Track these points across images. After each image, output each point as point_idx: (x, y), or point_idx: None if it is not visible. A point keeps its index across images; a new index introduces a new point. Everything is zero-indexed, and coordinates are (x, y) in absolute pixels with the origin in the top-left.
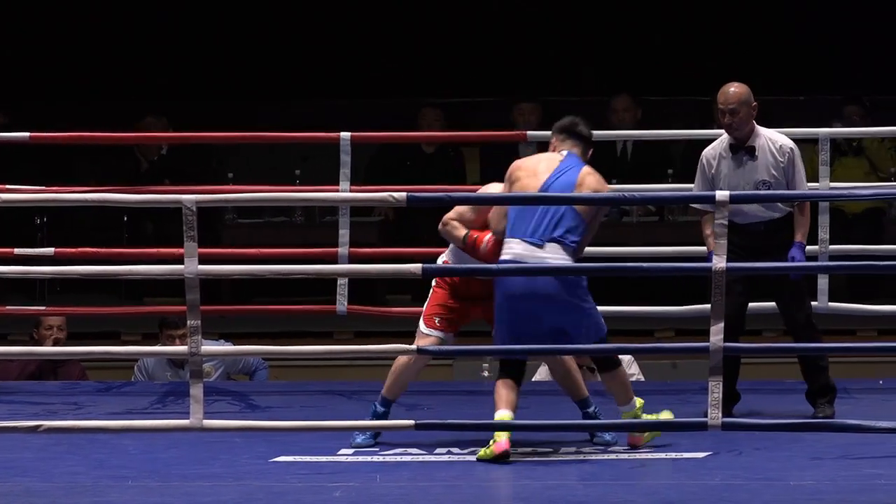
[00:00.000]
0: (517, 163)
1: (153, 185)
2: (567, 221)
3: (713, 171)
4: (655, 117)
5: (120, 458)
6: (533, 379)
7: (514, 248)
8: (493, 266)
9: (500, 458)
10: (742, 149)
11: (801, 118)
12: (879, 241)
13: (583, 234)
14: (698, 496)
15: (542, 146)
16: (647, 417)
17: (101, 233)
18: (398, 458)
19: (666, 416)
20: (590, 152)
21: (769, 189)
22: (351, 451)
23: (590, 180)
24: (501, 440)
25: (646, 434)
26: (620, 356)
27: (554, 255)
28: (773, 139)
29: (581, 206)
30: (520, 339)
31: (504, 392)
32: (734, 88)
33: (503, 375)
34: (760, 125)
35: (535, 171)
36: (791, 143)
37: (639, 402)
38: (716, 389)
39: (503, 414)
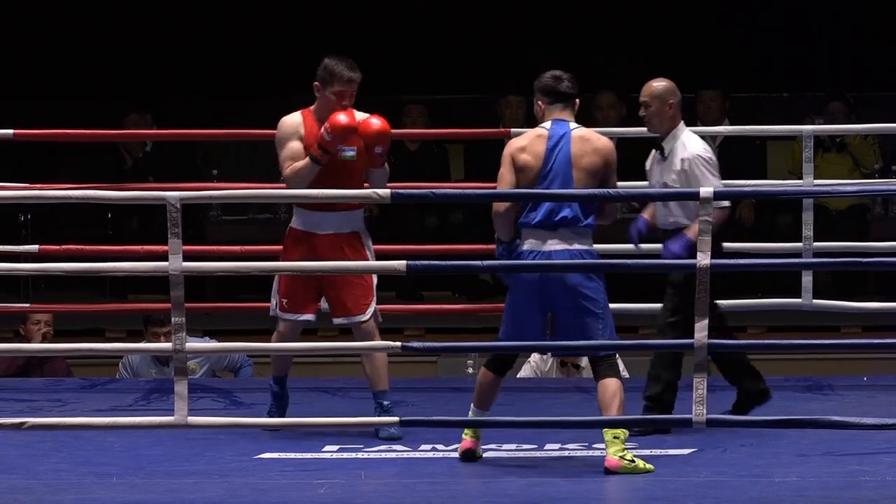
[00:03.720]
0: (517, 145)
1: (138, 182)
2: (585, 204)
3: (648, 167)
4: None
5: (104, 455)
6: (517, 376)
7: (528, 238)
8: (479, 262)
9: (464, 457)
10: (660, 147)
11: (785, 115)
12: (864, 238)
13: (597, 210)
14: (683, 493)
15: None
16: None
17: (86, 230)
18: (383, 455)
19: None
20: (577, 106)
21: None
22: (336, 447)
23: (585, 147)
24: (466, 438)
25: (625, 463)
26: None
27: (566, 241)
28: (686, 145)
29: (583, 179)
30: (524, 328)
31: (488, 389)
32: (652, 83)
33: (490, 367)
34: (746, 122)
35: (534, 153)
36: (690, 155)
37: (627, 432)
38: (700, 386)
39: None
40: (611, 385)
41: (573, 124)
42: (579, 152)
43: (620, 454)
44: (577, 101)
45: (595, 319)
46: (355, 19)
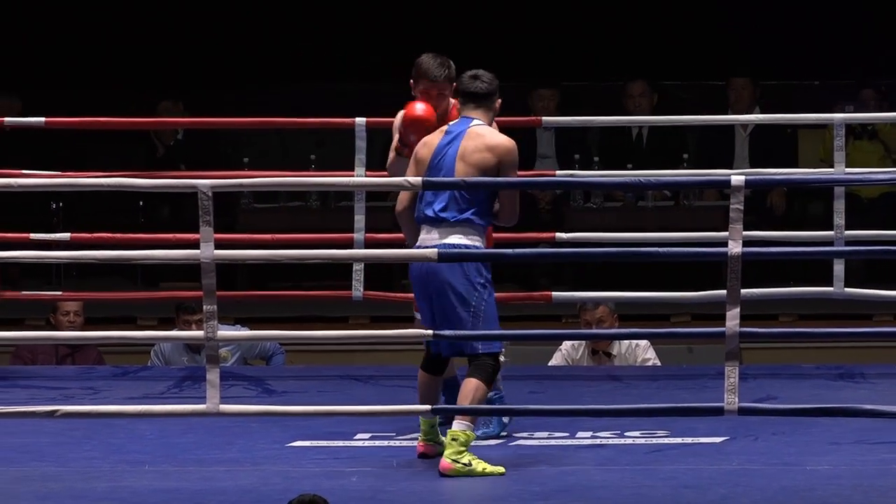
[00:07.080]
0: (423, 140)
1: (169, 170)
2: (464, 198)
3: None
4: (671, 102)
5: (136, 443)
6: (549, 363)
7: (421, 233)
8: (509, 252)
9: (422, 457)
10: None
11: (817, 103)
12: (895, 226)
13: (488, 208)
14: (715, 481)
15: (560, 132)
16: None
17: (117, 218)
18: (414, 443)
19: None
20: (497, 104)
21: None
22: (367, 435)
23: (477, 143)
24: (420, 442)
25: (458, 466)
26: (638, 341)
27: (452, 238)
28: None
29: (468, 175)
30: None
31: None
32: None
33: (424, 367)
34: (777, 110)
35: (430, 147)
36: None
37: (471, 434)
38: (732, 374)
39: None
40: (467, 385)
41: (477, 122)
42: (470, 148)
43: (454, 457)
44: (499, 100)
45: (468, 318)
46: (385, 5)
